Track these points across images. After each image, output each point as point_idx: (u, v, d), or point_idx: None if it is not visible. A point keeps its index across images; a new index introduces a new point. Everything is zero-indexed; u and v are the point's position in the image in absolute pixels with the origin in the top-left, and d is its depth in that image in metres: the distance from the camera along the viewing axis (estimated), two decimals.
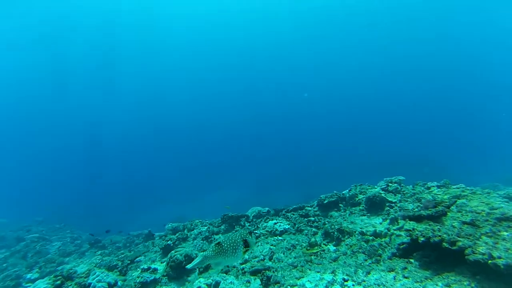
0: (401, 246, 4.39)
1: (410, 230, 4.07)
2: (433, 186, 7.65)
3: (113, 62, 58.66)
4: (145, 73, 62.43)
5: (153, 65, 60.78)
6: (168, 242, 9.55)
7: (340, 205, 9.00)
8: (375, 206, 7.40)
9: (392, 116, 58.57)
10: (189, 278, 7.02)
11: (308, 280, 4.66)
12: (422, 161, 29.05)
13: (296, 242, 6.93)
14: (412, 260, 4.01)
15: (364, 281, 4.00)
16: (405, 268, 3.90)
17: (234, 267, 6.70)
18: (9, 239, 13.12)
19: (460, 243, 3.35)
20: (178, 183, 47.63)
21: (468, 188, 7.04)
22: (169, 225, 12.68)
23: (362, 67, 59.84)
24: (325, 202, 8.90)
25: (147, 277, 6.75)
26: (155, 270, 7.25)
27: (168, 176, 54.14)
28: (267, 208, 11.11)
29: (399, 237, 5.22)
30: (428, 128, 51.15)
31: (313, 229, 7.63)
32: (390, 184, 8.01)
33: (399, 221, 6.52)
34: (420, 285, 3.47)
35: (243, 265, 6.77)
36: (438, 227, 3.72)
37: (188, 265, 2.88)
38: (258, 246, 8.02)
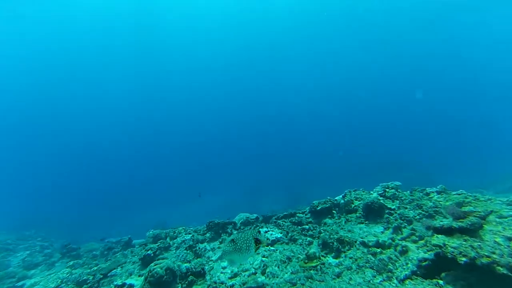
0: (423, 264, 3.70)
1: (440, 246, 3.37)
2: (433, 192, 7.12)
3: (108, 63, 56.51)
4: (130, 76, 60.28)
5: (138, 68, 58.75)
6: (148, 252, 8.48)
7: (333, 211, 8.30)
8: (373, 213, 6.75)
9: (373, 120, 59.02)
10: None
11: None
12: (404, 166, 29.14)
13: (291, 254, 6.11)
14: (441, 282, 3.31)
15: None
16: None
17: (222, 283, 5.79)
18: None
19: None
20: (162, 187, 45.73)
21: (470, 194, 6.55)
22: (150, 232, 11.50)
23: (352, 70, 60.22)
24: (318, 208, 8.18)
25: None
26: (131, 286, 6.20)
27: (152, 180, 51.99)
28: (255, 215, 10.26)
29: (411, 251, 4.53)
30: (410, 133, 51.70)
31: (308, 238, 6.87)
32: (387, 189, 7.41)
33: (402, 230, 5.87)
34: None
35: (233, 281, 5.87)
36: (478, 243, 3.05)
37: (213, 257, 3.30)
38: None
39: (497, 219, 4.91)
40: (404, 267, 4.08)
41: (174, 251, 8.98)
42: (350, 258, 5.04)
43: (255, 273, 5.94)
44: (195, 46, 57.02)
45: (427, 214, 6.34)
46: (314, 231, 7.03)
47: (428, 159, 32.72)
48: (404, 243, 5.37)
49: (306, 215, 8.66)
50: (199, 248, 8.80)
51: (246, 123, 65.57)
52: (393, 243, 5.43)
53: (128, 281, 6.35)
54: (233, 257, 2.88)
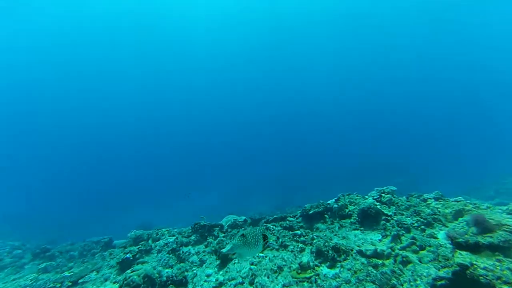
0: (439, 283, 3.14)
1: (466, 267, 2.79)
2: (430, 198, 6.67)
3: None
4: (121, 74, 58.59)
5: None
6: (127, 256, 7.68)
7: (325, 216, 7.74)
8: (369, 219, 6.23)
9: (363, 124, 58.92)
10: None
11: None
12: (392, 171, 29.05)
13: (283, 262, 5.49)
14: None
15: None
16: None
17: None
18: None
19: None
20: (150, 187, 44.24)
21: (469, 202, 6.13)
22: (132, 232, 10.59)
23: (344, 73, 60.29)
24: (310, 212, 7.60)
25: None
26: None
27: (140, 179, 50.37)
28: (243, 217, 9.59)
29: (416, 264, 3.99)
30: (397, 138, 51.76)
31: (300, 245, 6.27)
32: (383, 194, 6.92)
33: (401, 238, 5.35)
34: None
35: None
36: None
37: (223, 250, 3.08)
38: (235, 264, 6.48)
39: None
40: (412, 284, 3.53)
41: (156, 254, 8.22)
42: (349, 269, 4.47)
43: (242, 283, 5.29)
44: (188, 46, 56.00)
45: (425, 221, 5.86)
46: (306, 237, 6.43)
47: (415, 164, 32.76)
48: (404, 253, 4.85)
49: (297, 219, 8.07)
50: (182, 252, 8.06)
51: (235, 123, 64.84)
52: (393, 253, 4.90)
53: None
54: (242, 251, 2.91)
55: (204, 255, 7.78)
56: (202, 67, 60.43)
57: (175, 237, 8.97)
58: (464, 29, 46.12)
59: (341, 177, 31.14)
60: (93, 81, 58.36)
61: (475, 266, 2.67)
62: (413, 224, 5.88)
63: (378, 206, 6.38)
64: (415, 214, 6.08)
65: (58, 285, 5.68)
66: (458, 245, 3.15)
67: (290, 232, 6.82)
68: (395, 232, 5.31)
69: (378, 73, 59.06)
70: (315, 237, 6.34)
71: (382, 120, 58.12)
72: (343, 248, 5.21)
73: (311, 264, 5.03)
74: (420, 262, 4.56)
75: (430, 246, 5.04)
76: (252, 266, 5.90)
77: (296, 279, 4.60)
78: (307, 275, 4.62)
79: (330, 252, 5.17)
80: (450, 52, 53.03)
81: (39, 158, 57.73)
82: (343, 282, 4.18)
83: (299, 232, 6.64)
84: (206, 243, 8.52)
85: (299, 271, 4.83)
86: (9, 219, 22.03)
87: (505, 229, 3.13)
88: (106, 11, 47.71)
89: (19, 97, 56.71)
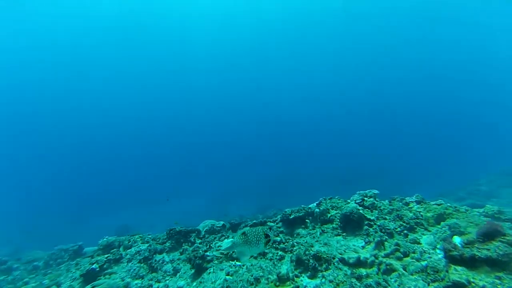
0: None
1: (463, 285, 2.40)
2: (412, 202, 6.44)
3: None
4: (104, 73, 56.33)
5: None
6: (93, 266, 6.90)
7: (307, 220, 7.33)
8: (351, 224, 5.88)
9: (347, 128, 59.38)
10: None
11: None
12: (372, 173, 29.37)
13: (260, 273, 4.99)
14: None
15: None
16: None
17: None
18: None
19: None
20: (129, 190, 42.39)
21: (450, 205, 5.93)
22: (104, 239, 9.67)
23: (329, 77, 60.68)
24: (291, 217, 7.17)
25: None
26: None
27: (119, 181, 48.18)
28: (222, 222, 9.00)
29: (401, 274, 3.63)
30: (380, 141, 52.41)
31: (280, 252, 5.80)
32: (365, 198, 6.61)
33: (385, 244, 5.01)
34: None
35: None
36: None
37: (222, 248, 3.40)
38: (210, 274, 5.90)
39: None
40: None
41: (126, 263, 7.46)
42: (331, 281, 4.04)
43: None
44: (179, 45, 54.83)
45: (408, 226, 5.59)
46: (286, 243, 5.98)
47: (395, 166, 33.39)
48: (388, 260, 4.51)
49: (277, 224, 7.61)
50: (155, 260, 7.38)
51: (220, 126, 63.78)
52: (376, 260, 4.54)
53: None
54: (243, 249, 2.89)
55: (179, 264, 7.15)
56: (189, 68, 59.29)
57: (148, 244, 8.25)
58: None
59: (324, 180, 31.18)
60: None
61: (473, 284, 2.31)
62: (396, 228, 5.58)
63: (361, 211, 6.06)
64: (398, 219, 5.80)
65: None
66: (452, 259, 2.79)
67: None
68: (379, 238, 4.97)
69: (362, 78, 60.07)
70: (295, 244, 5.91)
71: (365, 124, 59.07)
72: (325, 256, 4.80)
73: (291, 274, 4.57)
74: (405, 270, 4.23)
75: (414, 252, 4.74)
76: (227, 277, 5.37)
77: None
78: None
79: (311, 261, 4.74)
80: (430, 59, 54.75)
81: (20, 160, 54.37)
82: None
83: (278, 238, 6.17)
84: (181, 250, 7.88)
85: (278, 283, 4.35)
86: None
87: (502, 240, 2.79)
88: (106, 11, 46.72)
89: None
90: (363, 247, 5.16)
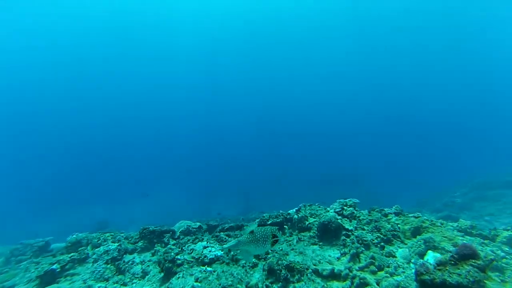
0: None
1: None
2: (391, 213, 6.33)
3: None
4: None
5: None
6: (53, 267, 6.37)
7: (285, 226, 7.10)
8: (329, 233, 5.68)
9: (334, 135, 59.70)
10: None
11: None
12: (354, 181, 29.61)
13: (230, 281, 4.69)
14: None
15: None
16: None
17: None
18: None
19: None
20: (111, 184, 40.97)
21: (427, 218, 5.85)
22: (74, 236, 9.02)
23: (314, 83, 60.76)
24: (269, 222, 6.91)
25: None
26: None
27: (101, 176, 46.62)
28: (198, 223, 8.63)
29: (369, 287, 3.43)
30: (363, 149, 52.87)
31: (253, 259, 5.49)
32: (345, 207, 6.45)
33: (360, 256, 4.83)
34: None
35: None
36: None
37: (225, 245, 2.97)
38: (178, 278, 5.55)
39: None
40: None
41: (92, 264, 6.95)
42: None
43: None
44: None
45: (385, 238, 5.45)
46: None
47: (377, 175, 33.83)
48: (362, 274, 4.32)
49: None
50: (124, 261, 6.91)
51: (206, 125, 62.83)
52: (350, 274, 4.35)
53: None
54: (249, 248, 2.85)
55: (149, 266, 6.74)
56: (172, 66, 58.03)
57: (118, 244, 7.76)
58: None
59: (310, 184, 31.15)
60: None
61: None
62: (373, 240, 5.43)
63: (339, 220, 5.88)
64: (375, 230, 5.65)
65: None
66: (423, 284, 2.61)
67: None
68: (354, 250, 4.78)
69: (343, 84, 60.54)
70: (270, 251, 5.64)
71: (351, 131, 59.73)
72: (298, 267, 4.56)
73: (260, 285, 4.29)
74: (378, 285, 4.05)
75: (388, 266, 4.59)
76: (196, 283, 5.04)
77: None
78: None
79: (283, 271, 4.49)
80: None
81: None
82: None
83: None
84: (153, 251, 7.46)
85: None
86: None
87: (473, 264, 2.64)
88: (106, 11, 46.24)
89: None
90: (338, 259, 4.96)
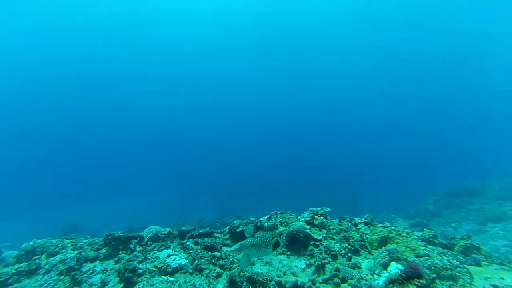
0: None
1: None
2: (360, 223, 6.29)
3: None
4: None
5: None
6: None
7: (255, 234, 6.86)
8: (297, 243, 5.55)
9: (319, 138, 60.10)
10: None
11: None
12: (334, 186, 29.87)
13: None
14: None
15: None
16: None
17: None
18: None
19: None
20: (85, 183, 39.28)
21: (394, 228, 5.85)
22: (30, 243, 8.21)
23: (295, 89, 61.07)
24: (238, 230, 6.68)
25: None
26: None
27: (75, 174, 44.60)
28: (168, 229, 8.22)
29: None
30: (345, 154, 53.51)
31: (217, 269, 5.25)
32: (315, 216, 6.34)
33: (325, 268, 4.70)
34: None
35: None
36: None
37: (227, 249, 3.52)
38: None
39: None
40: None
41: (42, 276, 6.35)
42: None
43: None
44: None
45: (353, 248, 5.37)
46: (226, 260, 5.46)
47: (355, 182, 34.34)
48: (325, 287, 4.18)
49: (224, 235, 7.07)
50: (81, 271, 6.39)
51: (187, 124, 61.82)
52: (313, 286, 4.19)
53: None
54: (251, 252, 2.91)
55: (109, 275, 6.27)
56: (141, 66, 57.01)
57: (77, 251, 7.20)
58: None
59: (292, 190, 31.10)
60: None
61: None
62: (341, 251, 5.34)
63: (308, 230, 5.75)
64: (344, 240, 5.58)
65: None
66: None
67: (210, 253, 5.76)
68: (319, 262, 4.65)
69: (326, 90, 61.33)
70: (235, 260, 5.41)
71: (334, 138, 60.54)
72: (260, 279, 4.36)
73: None
74: None
75: (352, 278, 4.48)
76: None
77: None
78: None
79: (245, 283, 4.26)
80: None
81: None
82: None
83: (218, 254, 5.63)
84: (117, 258, 6.98)
85: None
86: None
87: (417, 283, 2.65)
88: (106, 11, 45.51)
89: None
90: (303, 270, 4.81)
